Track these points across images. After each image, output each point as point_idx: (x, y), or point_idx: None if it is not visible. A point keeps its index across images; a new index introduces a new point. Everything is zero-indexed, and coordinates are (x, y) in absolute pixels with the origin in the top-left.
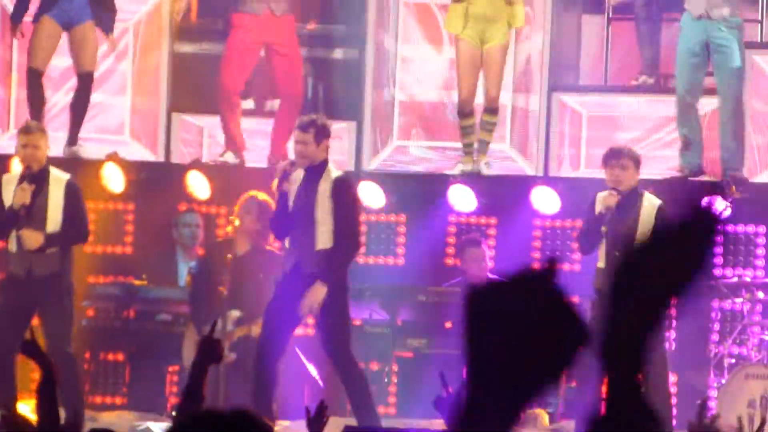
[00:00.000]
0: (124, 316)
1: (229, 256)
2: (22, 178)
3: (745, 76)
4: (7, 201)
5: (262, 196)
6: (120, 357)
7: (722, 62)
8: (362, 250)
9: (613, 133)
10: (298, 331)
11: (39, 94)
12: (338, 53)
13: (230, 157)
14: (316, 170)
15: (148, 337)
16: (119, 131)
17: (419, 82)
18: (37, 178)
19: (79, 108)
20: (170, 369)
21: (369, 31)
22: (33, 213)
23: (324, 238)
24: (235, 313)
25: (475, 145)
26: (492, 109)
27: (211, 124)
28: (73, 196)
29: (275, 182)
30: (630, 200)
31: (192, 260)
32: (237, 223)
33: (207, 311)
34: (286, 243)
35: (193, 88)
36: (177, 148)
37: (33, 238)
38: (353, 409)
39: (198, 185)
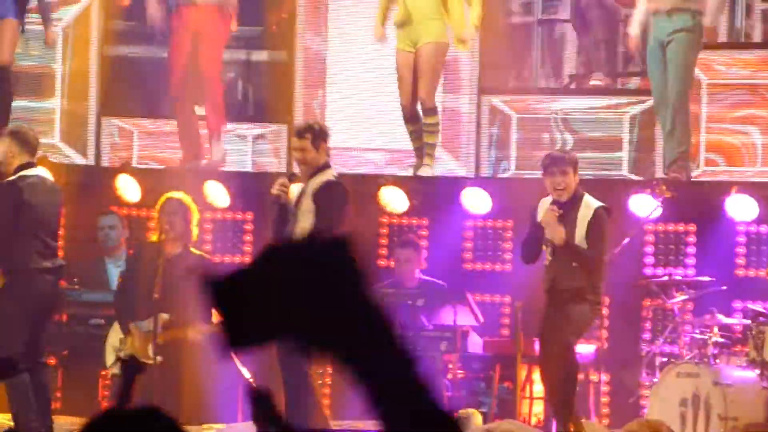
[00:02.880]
0: (57, 321)
1: (161, 258)
2: None
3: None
4: None
5: (178, 195)
6: (52, 361)
7: (670, 60)
8: None
9: (542, 135)
10: None
11: None
12: (266, 55)
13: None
14: (314, 174)
15: (80, 341)
16: (49, 134)
17: (352, 83)
18: None
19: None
20: (103, 373)
21: (298, 33)
22: None
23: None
24: (165, 316)
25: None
26: (427, 110)
27: (141, 127)
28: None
29: (274, 190)
30: (572, 204)
31: (115, 261)
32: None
33: (134, 312)
34: None
35: (123, 91)
36: (106, 152)
37: None
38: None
39: (128, 188)
